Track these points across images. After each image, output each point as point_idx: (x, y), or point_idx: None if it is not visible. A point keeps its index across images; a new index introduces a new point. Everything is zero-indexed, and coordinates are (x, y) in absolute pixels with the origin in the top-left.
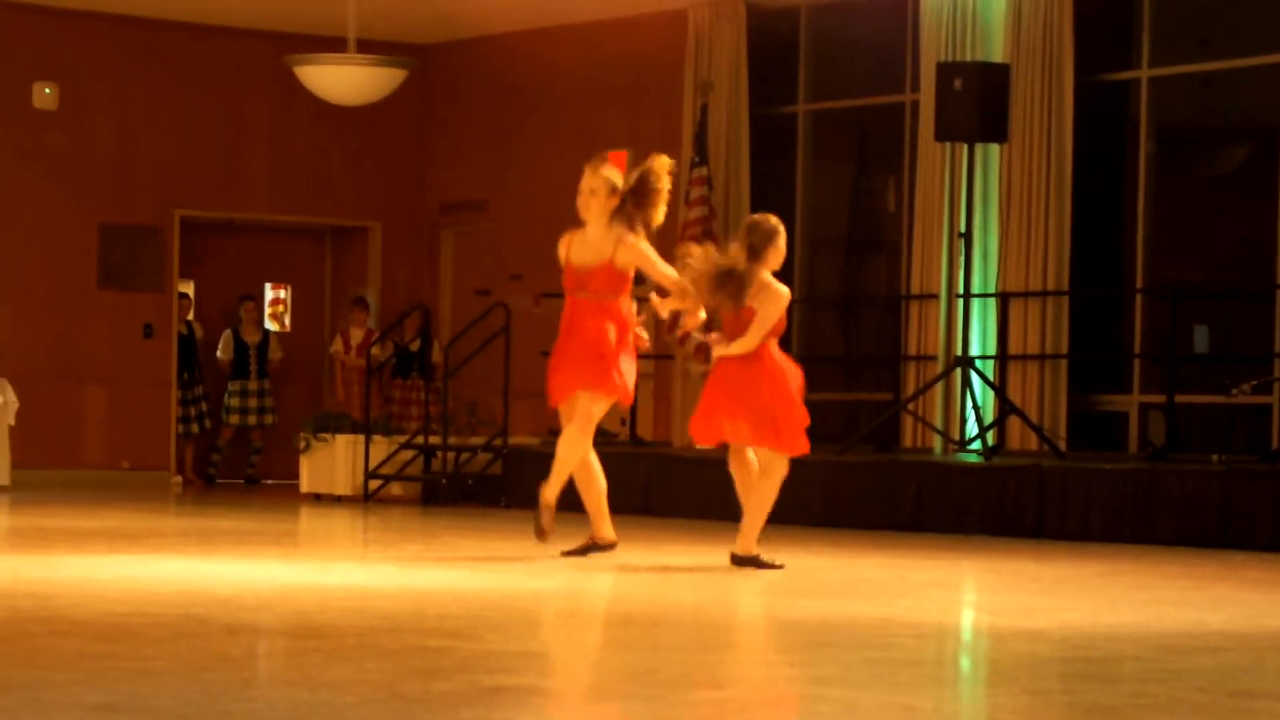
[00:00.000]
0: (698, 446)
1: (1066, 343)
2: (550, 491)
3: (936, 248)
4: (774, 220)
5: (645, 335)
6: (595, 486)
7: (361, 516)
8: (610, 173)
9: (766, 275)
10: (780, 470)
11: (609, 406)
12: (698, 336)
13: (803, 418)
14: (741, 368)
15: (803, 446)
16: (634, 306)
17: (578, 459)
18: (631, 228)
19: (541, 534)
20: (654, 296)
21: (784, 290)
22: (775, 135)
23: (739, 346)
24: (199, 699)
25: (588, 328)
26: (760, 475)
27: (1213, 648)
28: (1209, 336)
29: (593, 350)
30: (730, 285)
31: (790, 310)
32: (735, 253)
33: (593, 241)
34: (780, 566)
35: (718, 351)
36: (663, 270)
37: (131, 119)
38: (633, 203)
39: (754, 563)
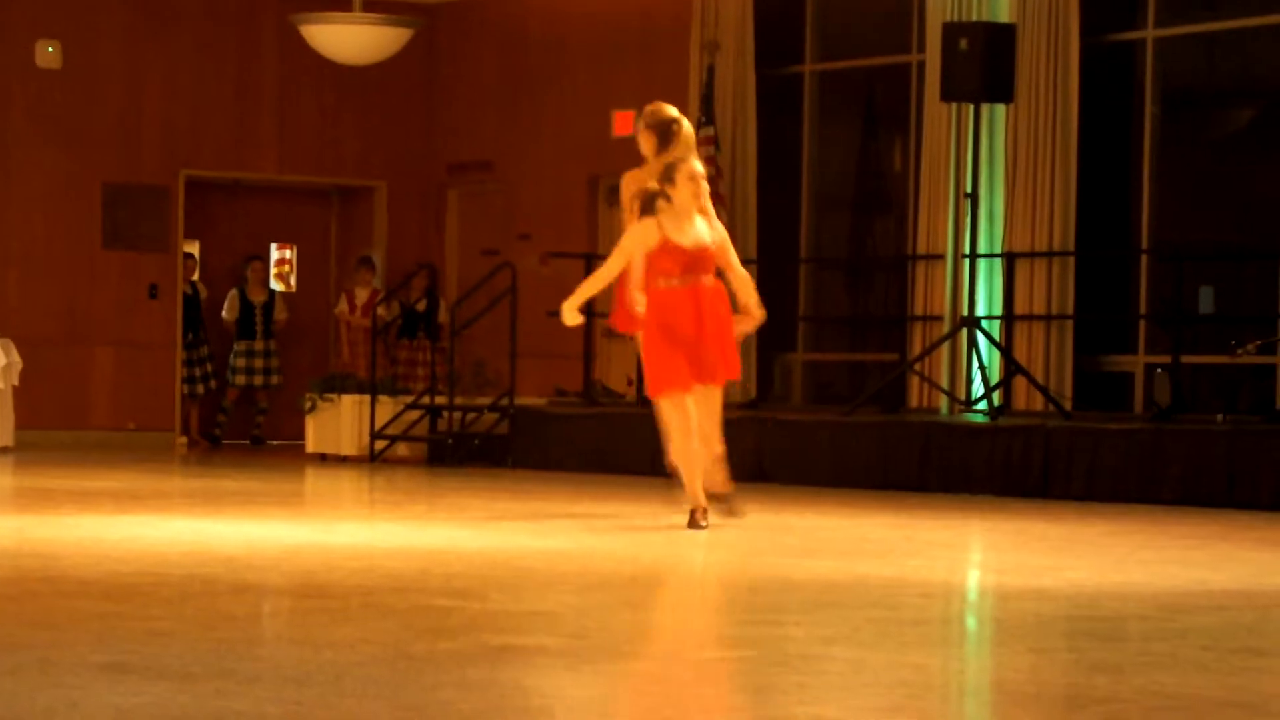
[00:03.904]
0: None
1: (1072, 303)
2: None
3: (943, 208)
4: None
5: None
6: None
7: (367, 477)
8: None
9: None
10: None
11: None
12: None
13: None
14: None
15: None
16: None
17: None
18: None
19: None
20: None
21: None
22: (782, 95)
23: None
24: (205, 658)
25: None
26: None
27: (1217, 606)
28: (1214, 297)
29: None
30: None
31: (796, 270)
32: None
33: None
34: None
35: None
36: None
37: (136, 78)
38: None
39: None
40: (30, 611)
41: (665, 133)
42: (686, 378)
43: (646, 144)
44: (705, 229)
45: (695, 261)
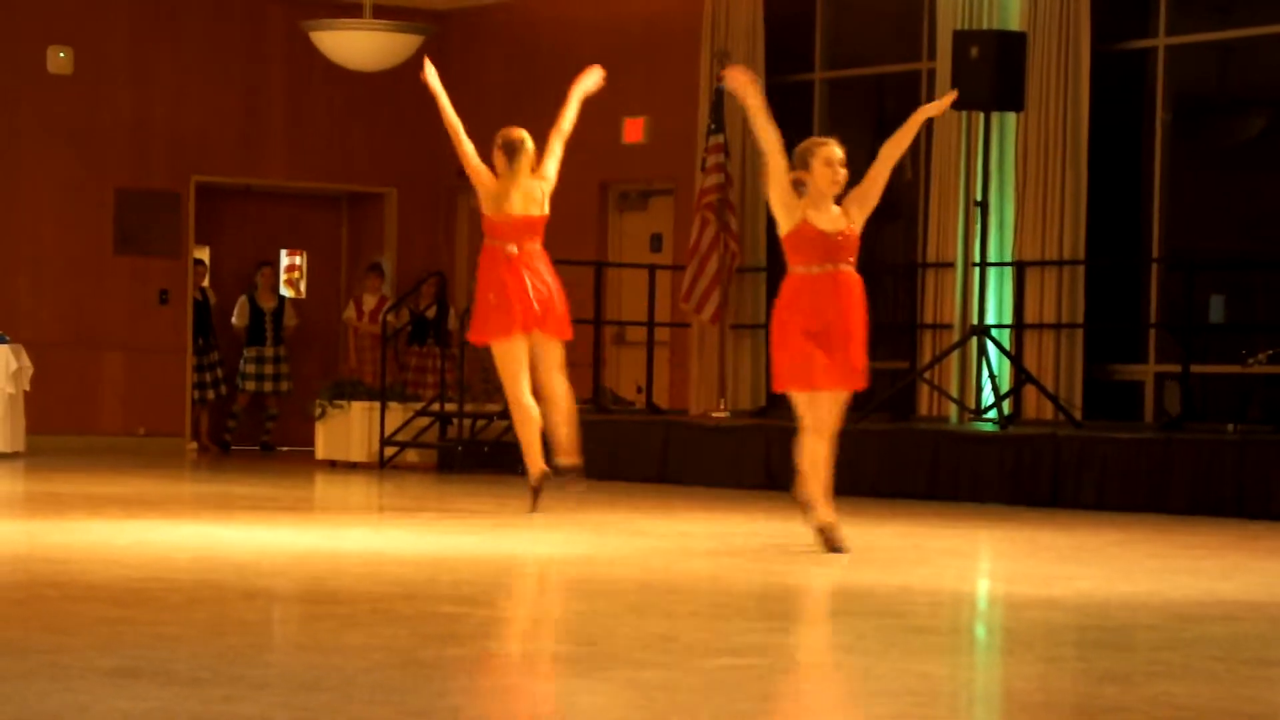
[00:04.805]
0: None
1: (1082, 312)
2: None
3: (953, 216)
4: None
5: None
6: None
7: (377, 483)
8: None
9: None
10: None
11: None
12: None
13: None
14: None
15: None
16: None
17: None
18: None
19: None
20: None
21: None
22: (792, 103)
23: None
24: (214, 663)
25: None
26: None
27: (1227, 616)
28: (1225, 306)
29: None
30: None
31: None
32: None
33: None
34: None
35: None
36: None
37: (148, 84)
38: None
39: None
40: (40, 616)
41: (513, 151)
42: (818, 375)
43: (500, 162)
44: (842, 215)
45: (836, 247)
